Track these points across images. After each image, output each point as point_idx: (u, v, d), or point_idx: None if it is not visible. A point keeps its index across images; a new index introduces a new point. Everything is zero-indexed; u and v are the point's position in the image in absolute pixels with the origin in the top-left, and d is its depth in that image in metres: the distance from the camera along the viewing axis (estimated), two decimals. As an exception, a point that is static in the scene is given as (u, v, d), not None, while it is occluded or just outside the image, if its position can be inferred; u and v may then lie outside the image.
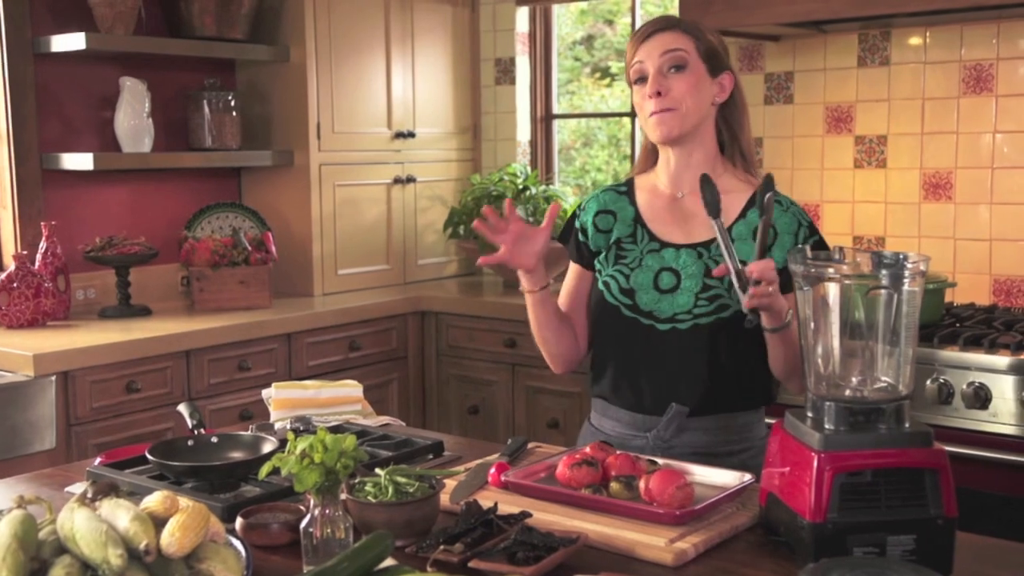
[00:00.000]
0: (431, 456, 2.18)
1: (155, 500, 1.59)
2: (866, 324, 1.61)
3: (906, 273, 1.59)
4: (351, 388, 2.44)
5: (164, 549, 1.50)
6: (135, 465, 2.10)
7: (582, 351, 2.36)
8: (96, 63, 3.93)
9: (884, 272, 1.61)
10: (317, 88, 4.17)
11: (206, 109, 4.09)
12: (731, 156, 2.27)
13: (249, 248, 3.95)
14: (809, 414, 1.64)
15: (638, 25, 4.59)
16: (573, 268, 2.37)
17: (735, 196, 2.22)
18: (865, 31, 3.83)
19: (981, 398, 3.00)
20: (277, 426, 2.30)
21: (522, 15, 4.73)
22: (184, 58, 4.07)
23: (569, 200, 4.44)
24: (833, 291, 1.61)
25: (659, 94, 2.15)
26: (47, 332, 3.52)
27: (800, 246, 1.70)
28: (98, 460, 2.14)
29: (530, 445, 2.21)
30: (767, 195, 1.94)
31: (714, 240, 2.16)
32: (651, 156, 2.31)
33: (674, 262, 2.20)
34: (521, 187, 4.36)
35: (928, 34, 3.73)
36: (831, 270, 1.62)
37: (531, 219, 4.21)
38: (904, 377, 1.61)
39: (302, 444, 1.58)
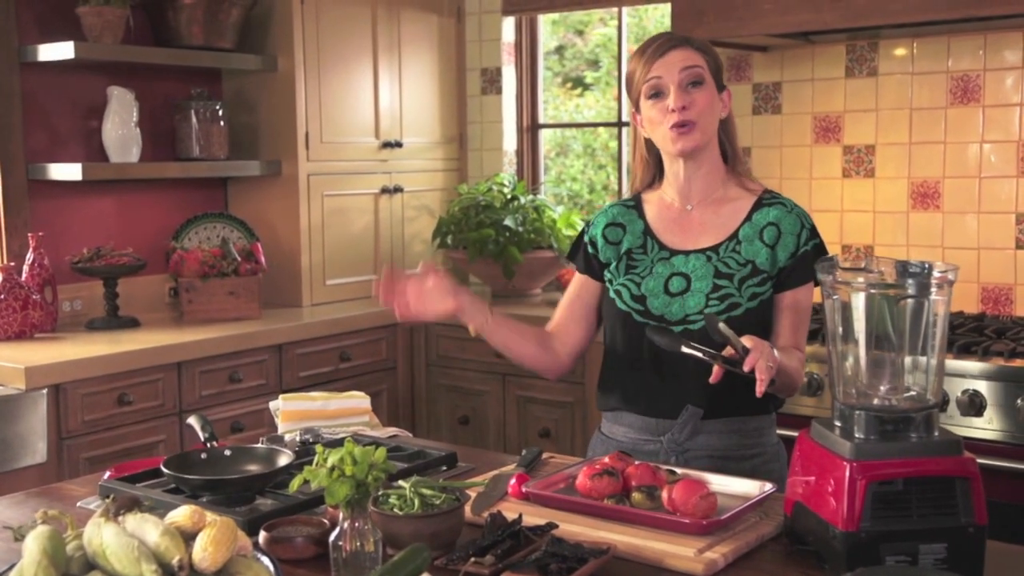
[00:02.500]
0: (445, 468, 2.17)
1: (182, 514, 1.58)
2: (895, 333, 1.62)
3: (934, 282, 1.60)
4: (358, 400, 2.43)
5: (197, 564, 1.48)
6: (146, 479, 2.07)
7: (567, 356, 2.37)
8: (83, 72, 3.89)
9: (911, 281, 1.61)
10: (305, 98, 4.15)
11: (193, 119, 4.06)
12: (733, 166, 2.33)
13: (239, 259, 3.92)
14: (837, 423, 1.64)
15: (625, 36, 4.61)
16: (578, 278, 2.40)
17: (740, 203, 2.30)
18: (852, 42, 3.86)
19: (976, 405, 3.03)
20: (287, 438, 2.28)
21: (508, 25, 4.73)
22: (170, 67, 4.04)
23: (557, 211, 4.44)
24: (862, 301, 1.62)
25: (684, 108, 2.18)
26: (35, 344, 3.48)
27: (830, 256, 1.70)
28: (107, 474, 2.12)
29: (544, 455, 2.21)
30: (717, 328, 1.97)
31: (722, 244, 2.24)
32: (651, 170, 2.35)
33: (683, 267, 2.25)
34: (509, 197, 4.36)
35: (915, 45, 3.76)
36: (860, 279, 1.62)
37: (521, 228, 4.21)
38: (932, 386, 1.62)
39: (333, 457, 1.56)
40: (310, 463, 2.08)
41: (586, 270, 2.37)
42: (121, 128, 3.85)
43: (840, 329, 1.65)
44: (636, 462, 1.96)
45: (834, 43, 3.89)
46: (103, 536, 1.51)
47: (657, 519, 1.76)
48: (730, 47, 3.97)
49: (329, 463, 1.56)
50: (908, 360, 1.63)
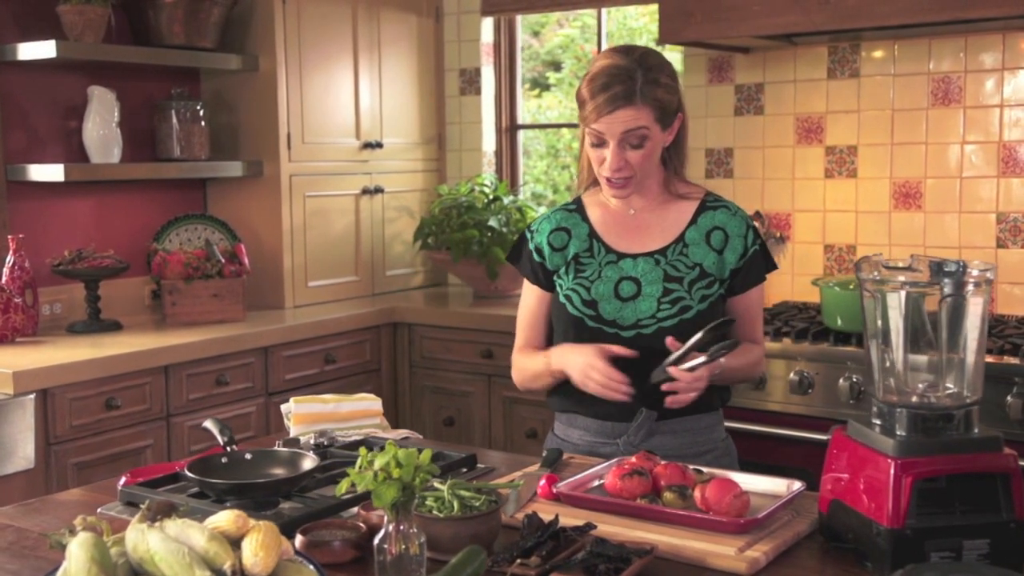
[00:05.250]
0: (465, 469, 2.16)
1: (226, 519, 1.55)
2: (933, 332, 1.63)
3: (971, 281, 1.62)
4: (370, 402, 2.42)
5: (249, 570, 1.47)
6: (164, 484, 2.05)
7: None
8: (62, 72, 3.82)
9: (947, 280, 1.63)
10: (287, 98, 4.12)
11: (174, 119, 4.01)
12: (672, 171, 2.35)
13: (222, 260, 3.88)
14: (877, 421, 1.66)
15: (604, 35, 4.62)
16: (531, 290, 2.40)
17: (683, 205, 2.33)
18: (835, 44, 3.89)
19: (966, 402, 3.06)
20: (301, 440, 2.26)
21: (487, 25, 4.72)
22: (150, 67, 3.98)
23: (539, 211, 4.44)
24: (900, 300, 1.64)
25: (619, 168, 2.20)
26: (18, 349, 3.41)
27: (875, 255, 1.72)
28: (123, 480, 2.08)
29: (564, 456, 2.21)
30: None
31: (669, 246, 2.28)
32: (593, 173, 2.34)
33: (633, 271, 2.27)
34: (492, 197, 4.35)
35: (897, 47, 3.81)
36: (900, 278, 1.64)
37: (505, 228, 4.21)
38: (969, 383, 1.64)
39: (379, 460, 1.55)
40: (335, 466, 2.08)
41: (535, 280, 2.38)
42: (102, 128, 3.80)
43: (879, 328, 1.66)
44: (662, 462, 1.96)
45: (816, 44, 3.93)
46: (149, 542, 1.49)
47: (696, 519, 1.76)
48: (712, 48, 3.99)
49: (376, 466, 1.55)
50: (946, 358, 1.64)
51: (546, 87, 5.61)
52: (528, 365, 2.35)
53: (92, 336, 3.65)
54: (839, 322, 3.40)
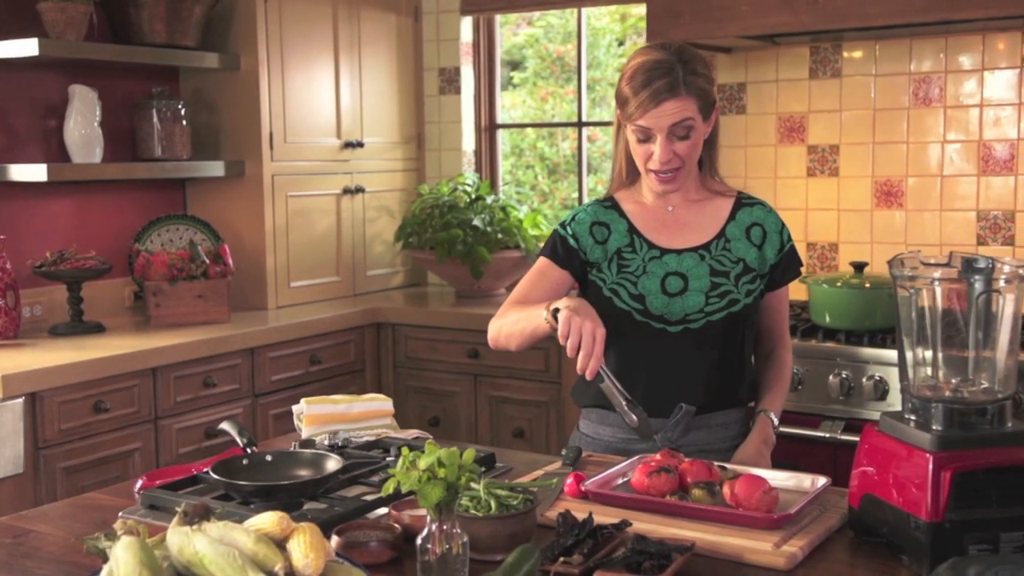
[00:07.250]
0: (484, 469, 2.16)
1: (270, 521, 1.54)
2: (966, 328, 1.66)
3: (1002, 278, 1.64)
4: (381, 402, 2.41)
5: (300, 571, 1.46)
6: (183, 486, 2.03)
7: None
8: (42, 70, 3.77)
9: (977, 277, 1.66)
10: (269, 97, 4.09)
11: (155, 118, 3.96)
12: (707, 170, 2.37)
13: (207, 261, 3.84)
14: (911, 416, 1.68)
15: (584, 35, 4.63)
16: (546, 264, 2.33)
17: (719, 203, 2.36)
18: (816, 44, 3.93)
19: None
20: (316, 440, 2.24)
21: (466, 25, 4.71)
22: (130, 65, 3.93)
23: (522, 210, 4.44)
24: (935, 295, 1.66)
25: (668, 160, 2.21)
26: (1, 352, 3.35)
27: (910, 251, 1.74)
28: (139, 483, 2.06)
29: (584, 454, 2.22)
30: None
31: (712, 242, 2.30)
32: (630, 173, 2.36)
33: (678, 266, 2.28)
34: (474, 196, 4.35)
35: (878, 47, 3.86)
36: (936, 275, 1.66)
37: (489, 228, 4.20)
38: (1002, 378, 1.66)
39: (424, 461, 1.54)
40: (354, 467, 2.07)
41: (554, 255, 2.31)
42: (84, 128, 3.74)
43: (913, 324, 1.69)
44: (686, 459, 1.97)
45: (798, 45, 3.97)
46: (196, 545, 1.47)
47: (730, 515, 1.77)
48: (696, 47, 4.00)
49: (421, 466, 1.54)
50: (979, 354, 1.67)
51: (505, 87, 5.60)
52: (517, 313, 2.23)
53: (76, 338, 3.60)
54: (827, 319, 3.43)
